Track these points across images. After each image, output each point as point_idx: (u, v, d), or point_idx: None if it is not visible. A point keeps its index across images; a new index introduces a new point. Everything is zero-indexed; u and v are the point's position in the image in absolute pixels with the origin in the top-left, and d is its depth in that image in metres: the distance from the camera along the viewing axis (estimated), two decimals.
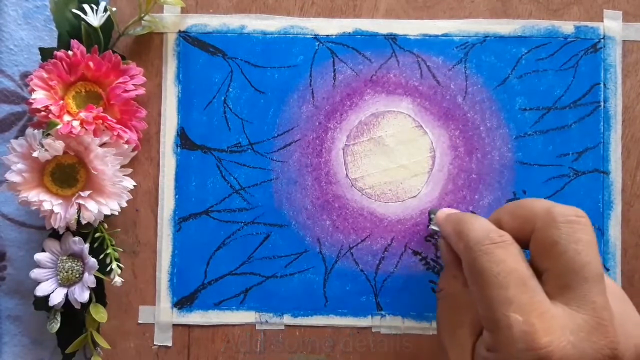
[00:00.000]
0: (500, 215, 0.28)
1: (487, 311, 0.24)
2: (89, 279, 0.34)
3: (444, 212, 0.33)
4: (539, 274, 0.25)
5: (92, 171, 0.34)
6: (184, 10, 0.38)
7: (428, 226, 0.36)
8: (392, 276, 0.37)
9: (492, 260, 0.25)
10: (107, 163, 0.34)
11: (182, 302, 0.37)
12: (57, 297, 0.35)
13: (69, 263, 0.35)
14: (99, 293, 0.36)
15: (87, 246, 0.35)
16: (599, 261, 0.25)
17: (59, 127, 0.34)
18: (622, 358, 0.23)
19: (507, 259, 0.25)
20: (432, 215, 0.35)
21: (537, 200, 0.28)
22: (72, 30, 0.36)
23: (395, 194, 0.37)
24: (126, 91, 0.35)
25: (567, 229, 0.25)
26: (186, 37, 0.38)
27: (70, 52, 0.35)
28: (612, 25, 0.38)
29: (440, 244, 0.32)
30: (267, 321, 0.37)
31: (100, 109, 0.35)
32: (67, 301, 0.35)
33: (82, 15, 0.35)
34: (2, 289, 0.38)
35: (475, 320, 0.27)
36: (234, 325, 0.37)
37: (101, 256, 0.36)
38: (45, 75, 0.34)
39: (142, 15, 0.37)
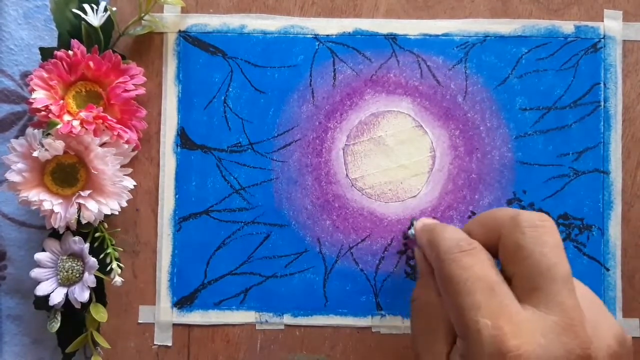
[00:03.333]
0: (469, 227, 0.29)
1: (458, 318, 0.24)
2: (89, 279, 0.34)
3: (421, 221, 0.34)
4: (508, 280, 0.25)
5: (92, 171, 0.34)
6: (184, 10, 0.38)
7: (407, 231, 0.37)
8: (392, 276, 0.37)
9: (460, 267, 0.25)
10: (107, 163, 0.34)
11: (182, 302, 0.37)
12: (57, 297, 0.35)
13: (69, 263, 0.35)
14: (99, 293, 0.36)
15: (87, 246, 0.35)
16: (566, 263, 0.25)
17: (59, 126, 0.34)
18: (594, 358, 0.23)
19: (476, 266, 0.25)
20: (414, 222, 0.35)
21: (503, 209, 0.28)
22: (72, 30, 0.36)
23: (395, 194, 0.37)
24: (126, 91, 0.35)
25: (532, 233, 0.25)
26: (186, 36, 0.38)
27: (70, 52, 0.35)
28: (612, 25, 0.38)
29: (415, 253, 0.32)
30: (267, 321, 0.37)
31: (101, 108, 0.35)
32: (67, 301, 0.35)
33: (83, 15, 0.35)
34: (3, 289, 0.38)
35: (449, 330, 0.27)
36: (234, 325, 0.37)
37: (101, 256, 0.36)
38: (45, 75, 0.34)
39: (142, 15, 0.37)
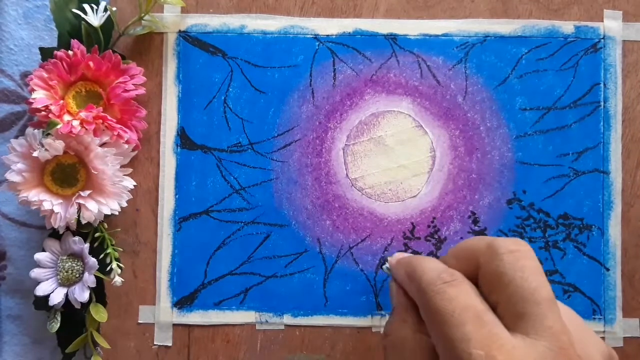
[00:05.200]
0: (446, 259, 0.29)
1: (448, 351, 0.24)
2: (89, 279, 0.34)
3: (395, 256, 0.34)
4: (493, 308, 0.25)
5: (92, 171, 0.34)
6: (184, 10, 0.38)
7: (380, 267, 0.37)
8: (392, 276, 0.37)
9: (445, 299, 0.25)
10: (107, 163, 0.34)
11: (182, 302, 0.37)
12: (57, 297, 0.35)
13: (69, 263, 0.35)
14: (99, 293, 0.36)
15: (87, 246, 0.35)
16: (547, 285, 0.25)
17: (59, 126, 0.34)
18: None
19: (460, 296, 0.25)
20: (388, 257, 0.35)
21: (477, 238, 0.28)
22: (72, 30, 0.36)
23: (395, 194, 0.37)
24: (126, 91, 0.35)
25: (510, 259, 0.25)
26: (186, 36, 0.38)
27: (70, 52, 0.35)
28: (612, 25, 0.38)
29: (390, 286, 0.32)
30: (267, 321, 0.37)
31: (101, 108, 0.35)
32: (67, 301, 0.35)
33: (83, 15, 0.35)
34: (3, 289, 0.38)
35: None
36: (234, 325, 0.37)
37: (101, 256, 0.36)
38: (45, 74, 0.34)
39: (143, 15, 0.37)
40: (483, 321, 0.24)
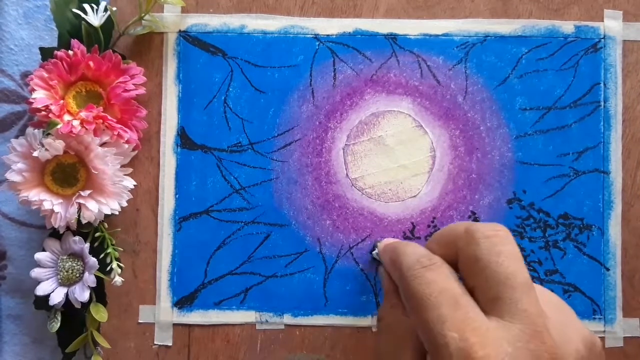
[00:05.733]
0: (429, 245, 0.29)
1: (425, 333, 0.24)
2: (89, 279, 0.34)
3: (383, 242, 0.34)
4: (471, 292, 0.26)
5: (93, 171, 0.34)
6: (184, 10, 0.38)
7: (371, 251, 0.37)
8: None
9: (423, 282, 0.25)
10: (107, 162, 0.34)
11: (182, 302, 0.37)
12: (57, 297, 0.35)
13: (69, 262, 0.35)
14: (99, 292, 0.36)
15: (87, 246, 0.35)
16: (524, 270, 0.25)
17: (59, 126, 0.34)
18: None
19: (438, 280, 0.25)
20: (377, 243, 0.35)
21: (458, 223, 0.28)
22: (72, 30, 0.36)
23: (396, 194, 0.37)
24: (126, 91, 0.35)
25: (487, 244, 0.25)
26: (186, 36, 0.38)
27: (70, 52, 0.35)
28: (612, 25, 0.38)
29: (380, 272, 0.33)
30: (267, 321, 0.37)
31: (101, 108, 0.35)
32: (67, 301, 0.35)
33: (83, 15, 0.35)
34: (3, 288, 0.38)
35: (416, 348, 0.27)
36: (234, 325, 0.37)
37: (101, 256, 0.36)
38: (45, 74, 0.34)
39: (143, 14, 0.37)
40: (459, 304, 0.24)
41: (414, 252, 0.27)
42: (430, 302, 0.24)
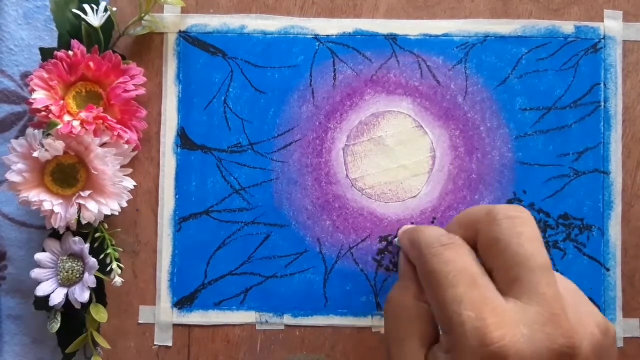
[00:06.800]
0: (449, 228, 0.29)
1: (441, 312, 0.24)
2: (89, 279, 0.34)
3: (402, 228, 0.35)
4: (489, 274, 0.25)
5: (92, 171, 0.34)
6: (184, 10, 0.38)
7: (391, 241, 0.37)
8: (392, 276, 0.37)
9: (441, 261, 0.25)
10: (107, 163, 0.34)
11: (182, 302, 0.37)
12: (57, 297, 0.35)
13: (69, 263, 0.35)
14: (99, 293, 0.36)
15: (87, 246, 0.35)
16: (543, 252, 0.25)
17: (59, 127, 0.34)
18: (579, 347, 0.23)
19: (457, 259, 0.25)
20: (399, 231, 0.36)
21: (480, 206, 0.28)
22: (72, 30, 0.36)
23: (395, 194, 0.37)
24: (126, 91, 0.35)
25: (508, 224, 0.25)
26: (186, 37, 0.38)
27: (70, 52, 0.35)
28: (612, 25, 0.38)
29: (399, 257, 0.33)
30: (267, 321, 0.37)
31: (101, 108, 0.35)
32: (67, 301, 0.35)
33: (83, 15, 0.35)
34: (3, 289, 0.38)
35: (425, 333, 0.27)
36: (234, 325, 0.37)
37: (101, 256, 0.36)
38: (45, 75, 0.34)
39: (143, 15, 0.37)
40: (477, 284, 0.24)
41: (433, 231, 0.27)
42: (447, 281, 0.24)
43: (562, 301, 0.24)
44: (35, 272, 0.35)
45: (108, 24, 0.36)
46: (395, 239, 0.36)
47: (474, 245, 0.27)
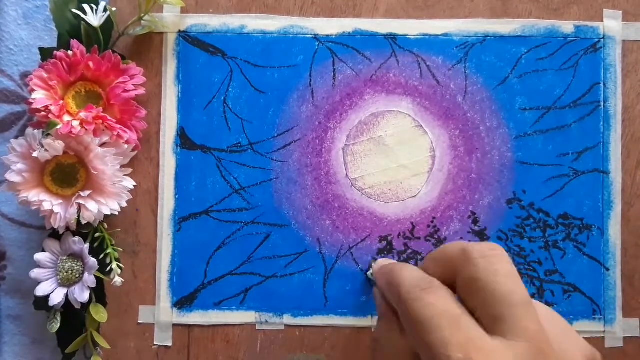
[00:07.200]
0: (425, 266, 0.29)
1: (429, 356, 0.24)
2: (89, 279, 0.34)
3: (378, 263, 0.34)
4: (472, 313, 0.26)
5: (92, 171, 0.34)
6: (184, 10, 0.38)
7: (366, 272, 0.37)
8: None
9: (422, 305, 0.25)
10: (107, 163, 0.34)
11: (182, 302, 0.37)
12: (57, 297, 0.35)
13: (69, 263, 0.35)
14: (99, 293, 0.36)
15: (87, 246, 0.35)
16: (522, 288, 0.25)
17: (59, 127, 0.34)
18: None
19: (438, 302, 0.25)
20: (373, 263, 0.36)
21: (454, 243, 0.28)
22: (72, 30, 0.36)
23: (395, 194, 0.37)
24: (126, 91, 0.35)
25: (484, 263, 0.25)
26: (186, 37, 0.38)
27: (70, 52, 0.35)
28: (612, 25, 0.38)
29: (374, 293, 0.33)
30: (267, 321, 0.37)
31: (100, 109, 0.35)
32: (67, 301, 0.35)
33: (82, 15, 0.35)
34: (3, 289, 0.38)
35: None
36: (234, 325, 0.37)
37: (101, 256, 0.36)
38: (45, 75, 0.34)
39: (142, 15, 0.37)
40: (460, 325, 0.24)
41: (411, 275, 0.27)
42: (432, 325, 0.24)
43: (546, 334, 0.24)
44: (35, 272, 0.35)
45: (108, 24, 0.36)
46: (369, 272, 0.36)
47: (451, 284, 0.27)
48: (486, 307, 0.25)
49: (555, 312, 0.28)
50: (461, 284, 0.26)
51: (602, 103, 0.38)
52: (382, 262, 0.35)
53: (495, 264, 0.25)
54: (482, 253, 0.26)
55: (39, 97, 0.34)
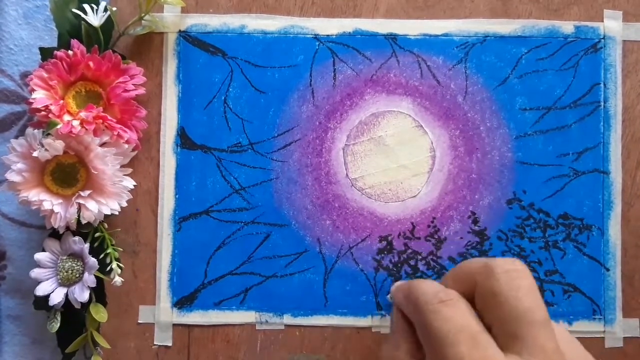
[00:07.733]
0: (445, 281, 0.29)
1: None
2: (89, 279, 0.34)
3: (396, 284, 0.34)
4: (488, 328, 0.25)
5: (92, 171, 0.34)
6: (184, 10, 0.38)
7: (386, 295, 0.37)
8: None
9: (440, 318, 0.25)
10: (107, 163, 0.34)
11: (182, 302, 0.37)
12: (57, 297, 0.35)
13: (69, 263, 0.35)
14: (99, 293, 0.36)
15: (87, 246, 0.35)
16: (542, 306, 0.25)
17: (59, 126, 0.34)
18: None
19: (456, 316, 0.25)
20: (391, 288, 0.36)
21: (475, 259, 0.28)
22: (72, 30, 0.36)
23: (395, 194, 0.37)
24: (126, 91, 0.35)
25: (505, 278, 0.25)
26: (186, 36, 0.38)
27: (70, 52, 0.35)
28: (612, 25, 0.38)
29: (392, 312, 0.32)
30: (267, 321, 0.37)
31: (101, 108, 0.35)
32: (67, 301, 0.35)
33: (82, 15, 0.35)
34: (3, 289, 0.38)
35: None
36: (234, 325, 0.37)
37: (101, 256, 0.36)
38: (45, 74, 0.34)
39: (142, 15, 0.37)
40: (477, 342, 0.24)
41: (430, 287, 0.27)
42: (448, 340, 0.24)
43: (562, 354, 0.24)
44: (35, 272, 0.35)
45: (108, 23, 0.36)
46: (388, 296, 0.36)
47: (470, 299, 0.27)
48: (504, 323, 0.24)
49: (568, 333, 0.27)
50: (480, 298, 0.26)
51: (602, 103, 0.38)
52: (399, 282, 0.35)
53: (516, 279, 0.25)
54: (504, 268, 0.25)
55: (39, 96, 0.34)
